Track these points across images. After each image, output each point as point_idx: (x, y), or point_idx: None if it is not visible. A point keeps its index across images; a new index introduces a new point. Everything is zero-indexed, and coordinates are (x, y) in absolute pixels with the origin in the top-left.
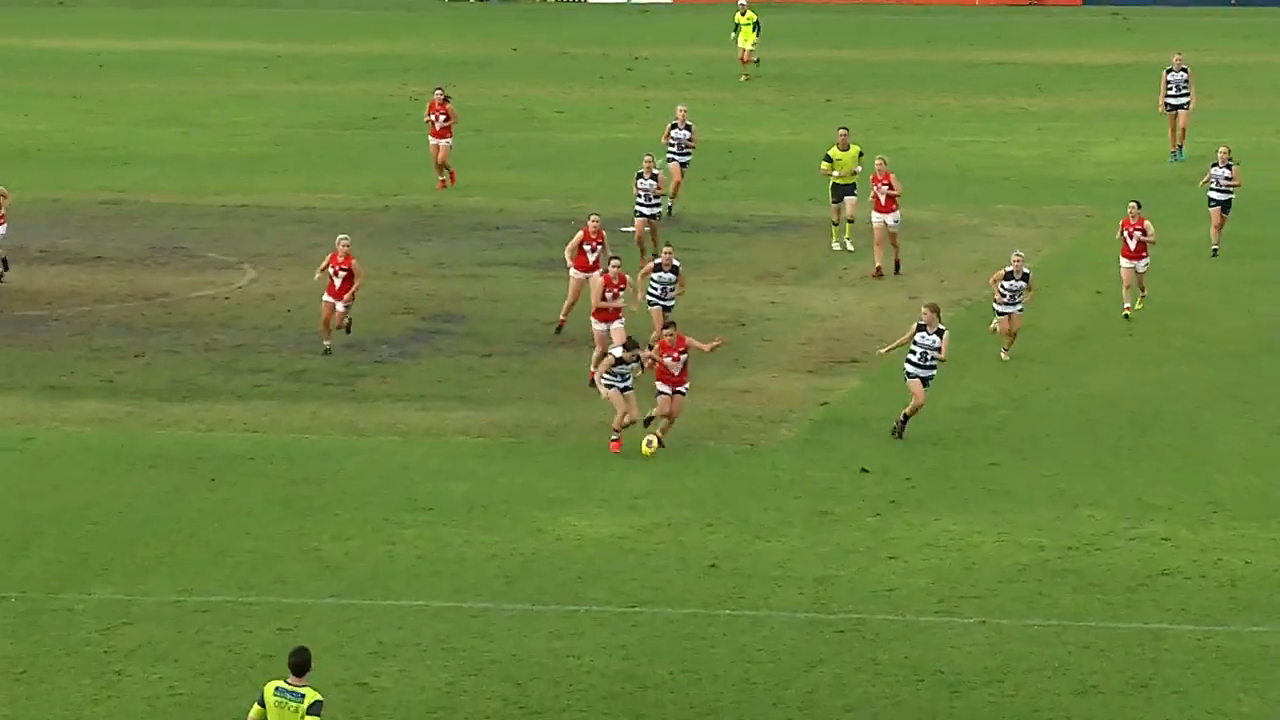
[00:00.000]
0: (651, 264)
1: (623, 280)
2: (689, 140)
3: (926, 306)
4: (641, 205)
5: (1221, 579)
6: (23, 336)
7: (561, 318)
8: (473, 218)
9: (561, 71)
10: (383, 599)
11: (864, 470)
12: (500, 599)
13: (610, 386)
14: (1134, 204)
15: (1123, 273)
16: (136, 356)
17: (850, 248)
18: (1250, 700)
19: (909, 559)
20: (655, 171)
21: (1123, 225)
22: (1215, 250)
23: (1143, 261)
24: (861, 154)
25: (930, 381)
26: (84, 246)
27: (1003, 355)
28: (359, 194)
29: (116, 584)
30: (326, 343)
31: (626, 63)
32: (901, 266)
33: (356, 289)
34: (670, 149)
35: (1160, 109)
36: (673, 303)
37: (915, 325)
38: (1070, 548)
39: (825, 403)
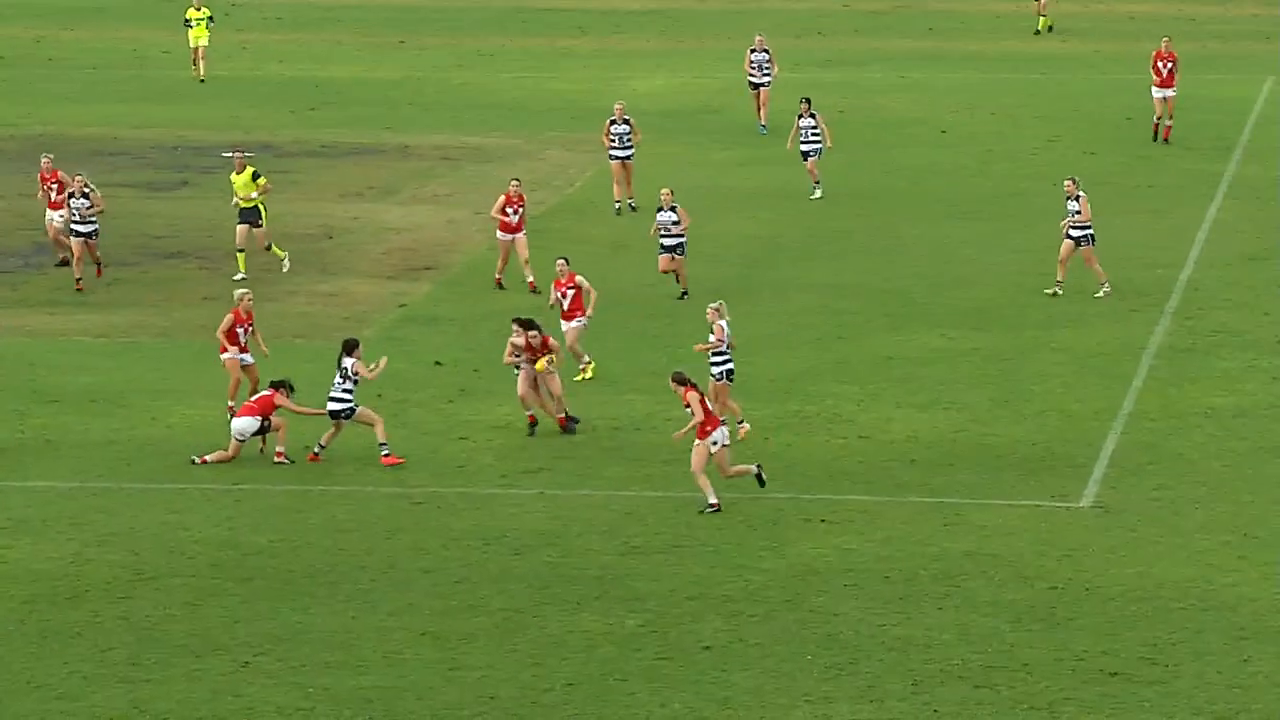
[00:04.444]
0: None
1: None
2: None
3: None
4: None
5: (747, 453)
6: None
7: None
8: (90, 144)
9: (168, 17)
10: (13, 480)
11: (438, 363)
12: (120, 478)
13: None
14: (515, 181)
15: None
16: None
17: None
18: (770, 557)
19: (477, 439)
20: (87, 190)
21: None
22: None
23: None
24: (256, 175)
25: None
26: None
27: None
28: None
29: None
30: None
31: (225, 9)
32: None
33: None
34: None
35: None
36: None
37: None
38: (616, 428)
39: (403, 305)
